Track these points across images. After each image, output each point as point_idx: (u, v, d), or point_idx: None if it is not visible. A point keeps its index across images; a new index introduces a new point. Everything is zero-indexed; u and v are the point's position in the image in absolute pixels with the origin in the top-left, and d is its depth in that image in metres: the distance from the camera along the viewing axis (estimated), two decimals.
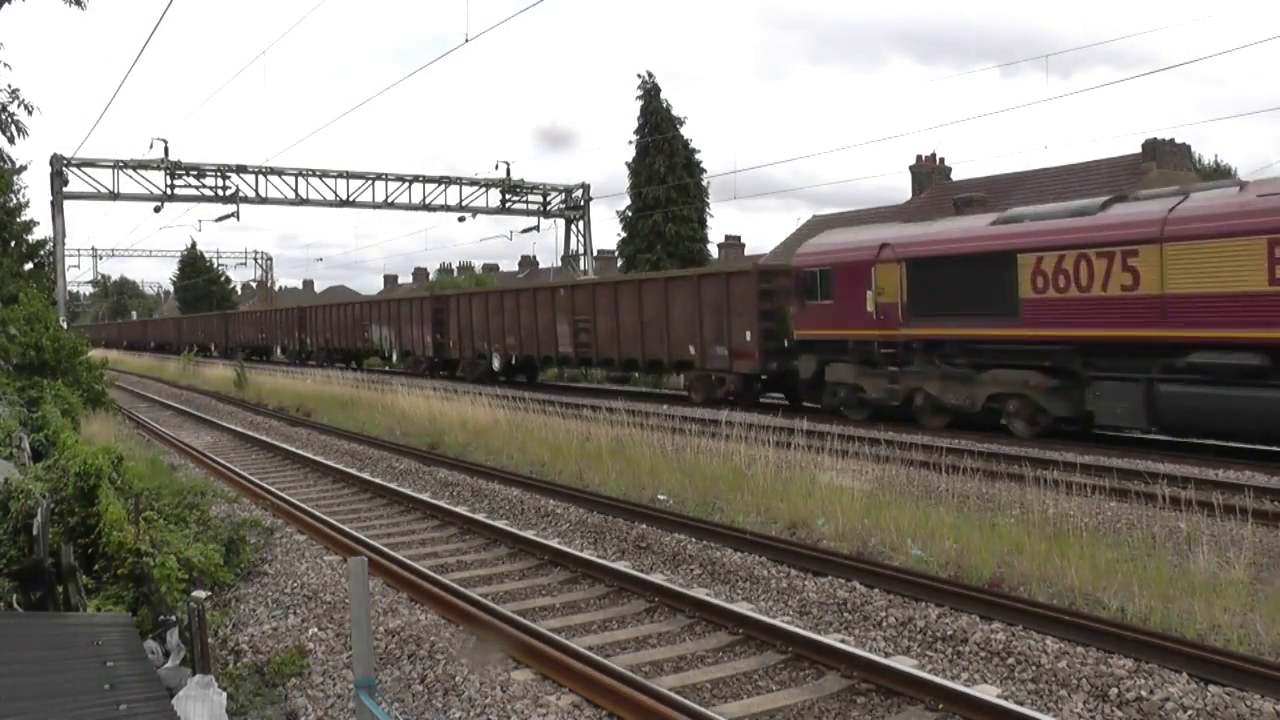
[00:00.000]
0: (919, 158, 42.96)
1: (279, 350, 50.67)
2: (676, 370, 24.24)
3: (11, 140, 11.88)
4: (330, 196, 41.36)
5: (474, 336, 32.04)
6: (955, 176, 42.43)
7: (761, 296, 20.65)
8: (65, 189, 37.44)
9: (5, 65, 13.24)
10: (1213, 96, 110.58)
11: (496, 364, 30.87)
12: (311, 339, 45.55)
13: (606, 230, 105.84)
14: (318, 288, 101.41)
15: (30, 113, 11.77)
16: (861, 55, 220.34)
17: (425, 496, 12.61)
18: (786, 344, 20.32)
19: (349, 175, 41.50)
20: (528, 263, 74.52)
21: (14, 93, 11.48)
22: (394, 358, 38.00)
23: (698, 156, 41.83)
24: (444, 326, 33.96)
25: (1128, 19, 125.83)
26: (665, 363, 23.79)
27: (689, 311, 22.42)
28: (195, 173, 39.07)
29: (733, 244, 56.15)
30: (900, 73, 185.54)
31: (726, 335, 21.33)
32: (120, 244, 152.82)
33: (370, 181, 41.91)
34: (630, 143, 42.14)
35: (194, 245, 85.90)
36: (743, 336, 20.93)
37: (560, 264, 48.15)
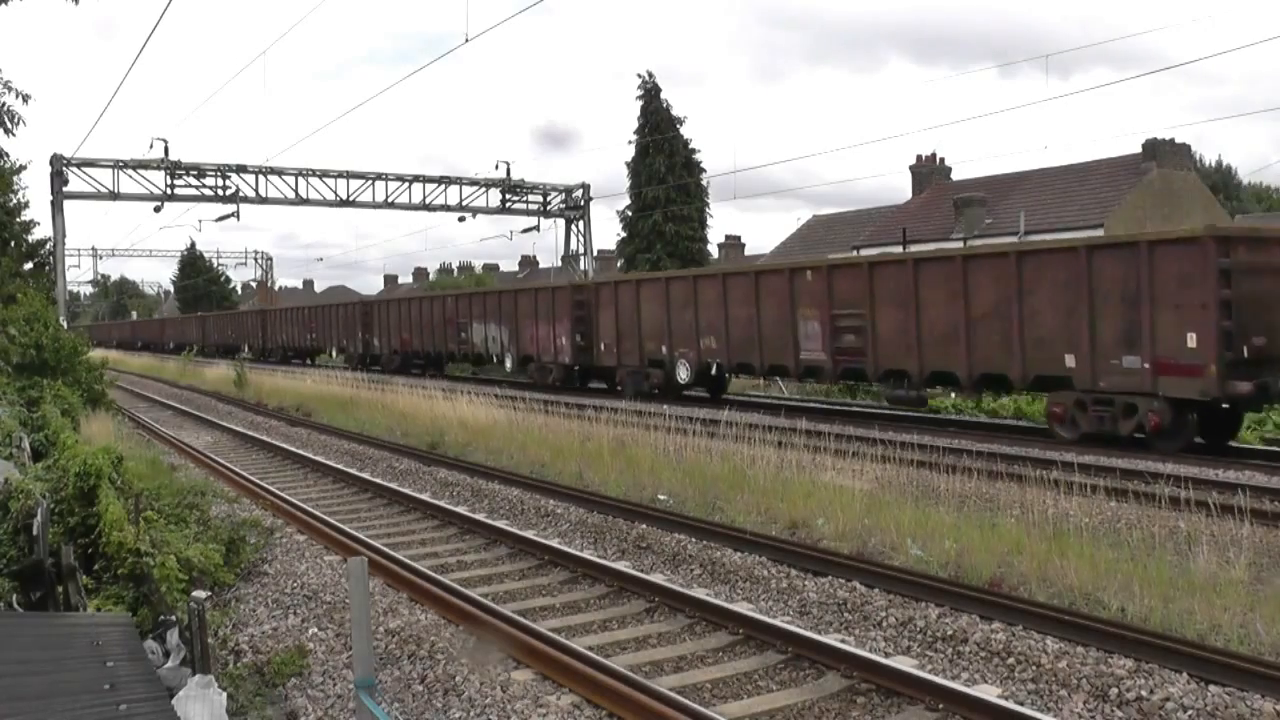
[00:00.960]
0: (919, 158, 43.11)
1: (333, 353, 43.75)
2: (1035, 389, 17.06)
3: (8, 131, 11.70)
4: (330, 196, 41.37)
5: (642, 337, 24.52)
6: (955, 176, 42.55)
7: (1220, 278, 13.66)
8: (65, 189, 37.43)
9: None
10: (1212, 96, 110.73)
11: (684, 374, 23.26)
12: (381, 340, 38.72)
13: (606, 230, 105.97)
14: (318, 288, 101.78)
15: (25, 101, 11.59)
16: (861, 55, 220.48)
17: (425, 496, 12.61)
18: (1246, 353, 13.80)
19: (349, 175, 41.52)
20: (528, 263, 74.71)
21: (6, 84, 11.32)
22: (508, 365, 30.80)
23: (697, 156, 41.98)
24: (590, 324, 26.46)
25: (1128, 19, 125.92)
26: (1015, 379, 16.36)
27: (1063, 301, 15.35)
28: (195, 173, 39.06)
29: (733, 243, 56.25)
30: (899, 73, 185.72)
31: (1144, 339, 14.40)
32: (120, 244, 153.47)
33: (370, 181, 41.92)
34: (630, 143, 42.30)
35: (194, 245, 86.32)
36: (1179, 340, 14.06)
37: (560, 264, 48.17)
